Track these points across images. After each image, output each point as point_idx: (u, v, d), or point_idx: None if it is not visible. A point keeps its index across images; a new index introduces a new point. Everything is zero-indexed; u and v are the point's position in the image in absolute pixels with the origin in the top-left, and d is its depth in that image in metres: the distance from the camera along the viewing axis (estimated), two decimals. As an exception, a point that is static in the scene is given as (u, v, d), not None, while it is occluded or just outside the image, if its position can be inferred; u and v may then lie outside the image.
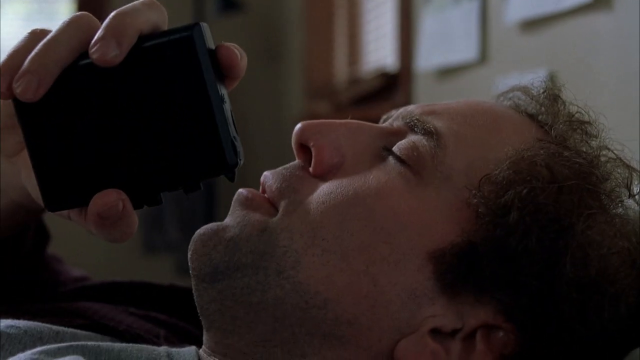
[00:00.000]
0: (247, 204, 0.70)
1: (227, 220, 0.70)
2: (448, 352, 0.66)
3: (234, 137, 0.61)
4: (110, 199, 0.60)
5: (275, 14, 3.41)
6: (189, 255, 0.69)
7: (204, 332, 0.71)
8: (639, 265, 0.67)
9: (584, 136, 0.71)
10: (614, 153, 0.71)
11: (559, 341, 0.65)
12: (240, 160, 0.61)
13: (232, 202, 0.71)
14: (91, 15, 0.61)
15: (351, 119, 0.74)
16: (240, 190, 0.71)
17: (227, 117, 0.60)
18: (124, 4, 0.61)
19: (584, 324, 0.64)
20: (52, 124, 0.61)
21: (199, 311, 0.70)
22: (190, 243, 0.69)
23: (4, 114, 0.68)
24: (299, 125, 0.72)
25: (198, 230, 0.70)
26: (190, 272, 0.69)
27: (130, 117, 0.60)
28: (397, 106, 0.77)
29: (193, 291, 0.70)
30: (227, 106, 0.61)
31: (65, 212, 0.65)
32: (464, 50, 1.65)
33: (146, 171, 0.61)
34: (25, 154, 0.68)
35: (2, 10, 3.49)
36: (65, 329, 0.71)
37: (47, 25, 0.64)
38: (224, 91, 0.61)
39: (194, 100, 0.60)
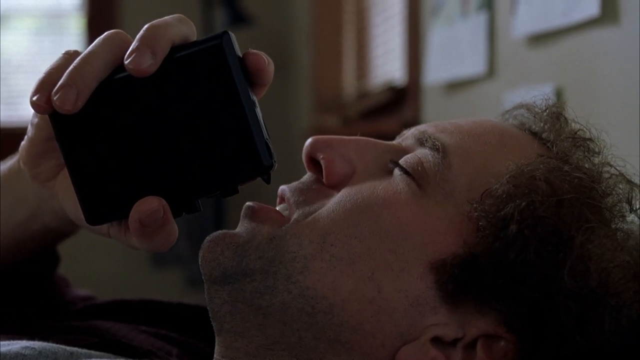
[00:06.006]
0: (255, 216, 0.71)
1: (237, 230, 0.71)
2: None
3: (267, 139, 0.62)
4: (151, 205, 0.61)
5: (284, 28, 3.42)
6: (199, 262, 0.70)
7: (216, 337, 0.72)
8: None
9: (586, 153, 0.72)
10: (616, 169, 0.72)
11: (560, 352, 0.66)
12: (274, 162, 0.62)
13: (241, 215, 0.72)
14: (124, 32, 0.63)
15: (360, 133, 0.75)
16: (247, 203, 0.72)
17: (259, 121, 0.62)
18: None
19: (585, 336, 0.65)
20: (90, 137, 0.62)
21: (210, 314, 0.71)
22: (200, 250, 0.70)
23: (39, 139, 0.69)
24: (309, 140, 0.73)
25: (206, 238, 0.71)
26: (203, 277, 0.70)
27: (165, 126, 0.61)
28: (406, 120, 0.79)
29: (205, 295, 0.71)
30: (259, 110, 0.62)
31: (105, 227, 0.66)
32: (472, 64, 1.66)
33: (184, 178, 0.62)
34: (61, 178, 0.69)
35: (13, 25, 3.51)
36: (79, 349, 0.72)
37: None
38: (254, 97, 0.63)
39: (227, 105, 0.61)
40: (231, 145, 0.61)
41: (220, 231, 0.71)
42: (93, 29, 3.30)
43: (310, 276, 0.68)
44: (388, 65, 2.66)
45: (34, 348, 0.69)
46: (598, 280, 0.65)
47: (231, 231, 0.71)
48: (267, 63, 0.63)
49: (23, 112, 3.34)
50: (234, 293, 0.69)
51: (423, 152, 0.71)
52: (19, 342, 0.70)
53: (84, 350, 0.72)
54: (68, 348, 0.71)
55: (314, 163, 0.73)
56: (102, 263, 3.13)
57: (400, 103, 2.29)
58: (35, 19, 3.62)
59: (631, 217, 0.72)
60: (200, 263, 0.70)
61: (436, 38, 1.85)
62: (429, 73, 1.90)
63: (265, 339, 0.69)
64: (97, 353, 0.73)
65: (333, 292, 0.67)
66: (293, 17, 3.40)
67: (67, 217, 0.71)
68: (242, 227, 0.71)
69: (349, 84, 3.02)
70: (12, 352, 0.68)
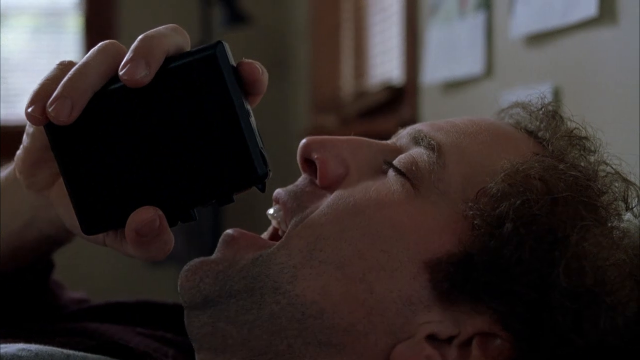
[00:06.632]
0: (236, 243, 0.71)
1: (215, 255, 0.71)
2: (444, 358, 0.67)
3: (262, 148, 0.62)
4: (147, 215, 0.61)
5: (282, 28, 3.42)
6: (178, 291, 0.70)
7: (195, 354, 0.72)
8: (637, 277, 0.67)
9: (582, 151, 0.72)
10: (612, 167, 0.72)
11: (556, 351, 0.65)
12: (269, 170, 0.62)
13: (220, 242, 0.72)
14: (118, 42, 0.63)
15: (356, 133, 0.75)
16: (227, 231, 0.72)
17: (254, 130, 0.62)
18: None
19: (580, 334, 0.65)
20: (85, 148, 0.62)
21: (189, 335, 0.71)
22: (178, 279, 0.70)
23: (35, 148, 0.69)
24: (303, 141, 0.74)
25: (184, 267, 0.71)
26: (182, 304, 0.70)
27: (161, 136, 0.62)
28: (403, 119, 0.79)
29: (185, 320, 0.71)
30: (253, 120, 0.63)
31: (100, 236, 0.66)
32: (470, 64, 1.66)
33: (179, 188, 0.62)
34: (57, 187, 0.69)
35: (11, 23, 3.51)
36: (76, 352, 0.72)
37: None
38: (248, 106, 0.63)
39: (222, 115, 0.61)
40: (226, 155, 0.61)
41: (197, 259, 0.71)
42: (91, 28, 3.29)
43: (299, 284, 0.68)
44: (386, 64, 2.66)
45: (31, 350, 0.69)
46: (593, 278, 0.65)
47: (209, 258, 0.71)
48: (261, 72, 0.63)
49: (21, 111, 3.33)
50: (215, 314, 0.69)
51: (418, 152, 0.71)
52: (16, 344, 0.70)
53: (81, 353, 0.72)
54: (65, 350, 0.71)
55: (308, 164, 0.73)
56: (98, 264, 3.13)
57: (398, 103, 2.28)
58: (33, 17, 3.61)
59: (627, 216, 0.71)
60: (179, 292, 0.70)
61: (434, 38, 1.85)
62: (426, 73, 1.90)
63: (250, 351, 0.69)
64: (94, 356, 0.73)
65: (323, 297, 0.67)
66: (291, 17, 3.39)
67: (63, 225, 0.72)
68: (221, 253, 0.71)
69: (346, 83, 3.02)
70: (8, 355, 0.68)
